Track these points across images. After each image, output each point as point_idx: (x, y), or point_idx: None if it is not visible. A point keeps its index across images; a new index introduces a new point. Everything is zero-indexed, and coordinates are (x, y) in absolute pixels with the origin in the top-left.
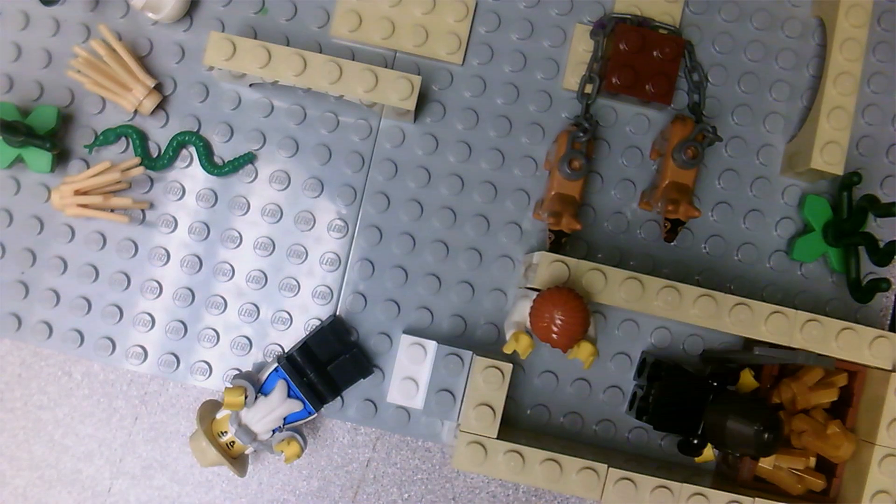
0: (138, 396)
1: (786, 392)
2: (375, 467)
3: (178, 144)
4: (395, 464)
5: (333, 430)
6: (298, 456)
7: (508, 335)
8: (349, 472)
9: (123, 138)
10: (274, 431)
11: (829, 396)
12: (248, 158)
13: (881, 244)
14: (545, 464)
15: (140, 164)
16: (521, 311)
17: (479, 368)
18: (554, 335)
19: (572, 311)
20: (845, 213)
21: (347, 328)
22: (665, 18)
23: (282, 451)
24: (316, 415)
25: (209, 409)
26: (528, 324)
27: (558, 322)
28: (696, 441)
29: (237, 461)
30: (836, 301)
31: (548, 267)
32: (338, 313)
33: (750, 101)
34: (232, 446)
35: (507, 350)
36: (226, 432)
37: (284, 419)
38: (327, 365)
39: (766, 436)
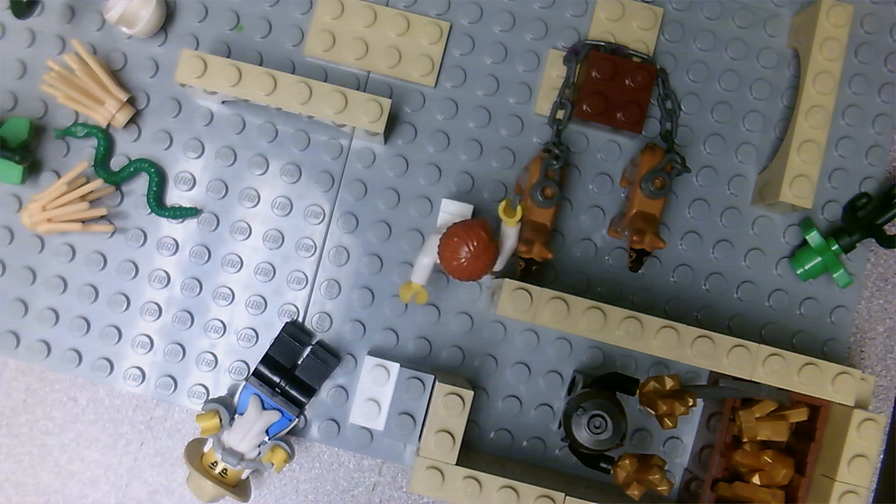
0: (144, 422)
1: (737, 420)
2: (381, 491)
3: (135, 170)
4: (401, 488)
5: (339, 455)
6: (287, 461)
7: (415, 274)
8: (355, 496)
9: (93, 139)
10: (260, 447)
11: (778, 430)
12: (192, 213)
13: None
14: (502, 491)
15: (95, 173)
16: (431, 249)
17: (440, 395)
18: (460, 262)
19: (480, 242)
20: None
21: (304, 329)
22: (639, 46)
23: (271, 463)
24: (297, 420)
25: (196, 447)
26: (436, 258)
27: (464, 252)
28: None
29: (237, 488)
30: (804, 333)
31: (510, 294)
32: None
33: (723, 130)
34: (226, 474)
35: (403, 298)
36: (216, 462)
37: (268, 431)
38: (294, 369)
39: (591, 419)
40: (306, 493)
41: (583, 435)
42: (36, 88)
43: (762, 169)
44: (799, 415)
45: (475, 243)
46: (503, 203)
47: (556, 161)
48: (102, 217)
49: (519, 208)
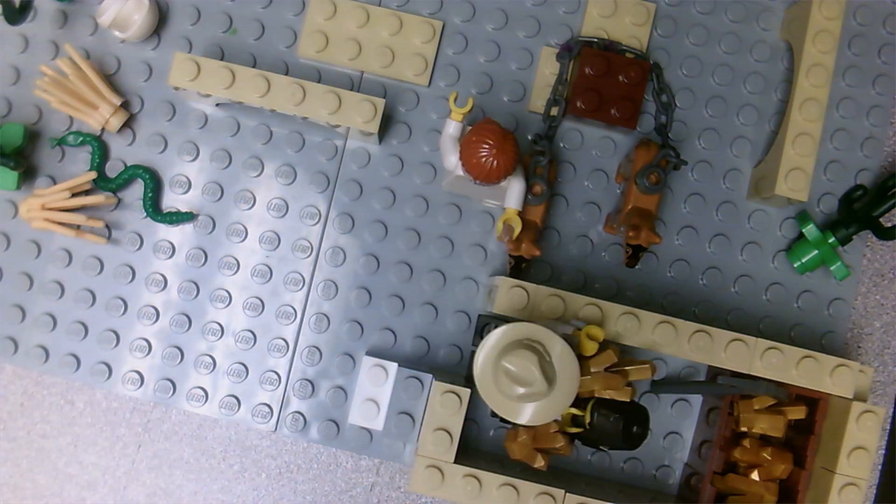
0: (141, 424)
1: (735, 410)
2: (379, 492)
3: (129, 176)
4: (399, 488)
5: (337, 456)
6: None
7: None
8: (353, 496)
9: (87, 146)
10: None
11: (774, 424)
12: (188, 217)
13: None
14: (502, 489)
15: (93, 179)
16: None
17: (437, 393)
18: (489, 161)
19: (503, 139)
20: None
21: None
22: (632, 42)
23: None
24: None
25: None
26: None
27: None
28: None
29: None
30: (801, 327)
31: (507, 292)
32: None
33: (717, 125)
34: None
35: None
36: None
37: None
38: None
39: (633, 429)
40: (304, 493)
41: (614, 435)
42: (30, 94)
43: (757, 163)
44: (797, 412)
45: (492, 137)
46: (452, 95)
47: (542, 157)
48: (99, 227)
49: (469, 101)
